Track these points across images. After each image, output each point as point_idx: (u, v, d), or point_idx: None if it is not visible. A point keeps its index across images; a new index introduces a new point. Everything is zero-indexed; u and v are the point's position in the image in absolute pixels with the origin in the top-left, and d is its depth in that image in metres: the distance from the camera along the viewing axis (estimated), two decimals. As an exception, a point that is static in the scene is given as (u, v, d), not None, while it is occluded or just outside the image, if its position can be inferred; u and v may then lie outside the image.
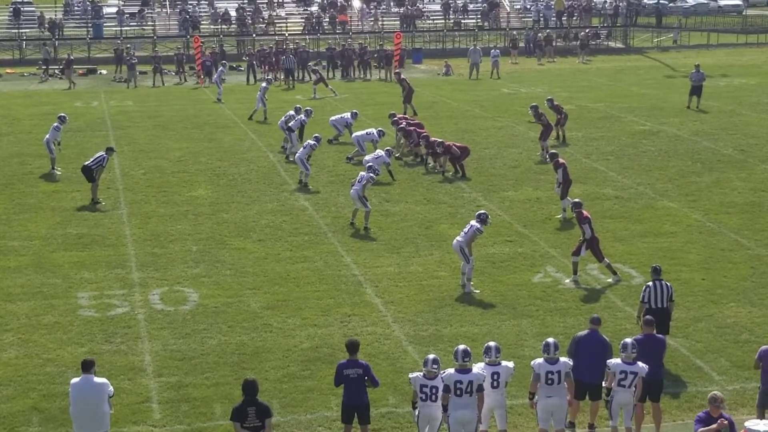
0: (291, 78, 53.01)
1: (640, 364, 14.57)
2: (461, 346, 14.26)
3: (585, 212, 21.79)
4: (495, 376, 14.29)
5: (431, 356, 14.18)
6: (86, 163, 28.41)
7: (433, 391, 13.89)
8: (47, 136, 31.96)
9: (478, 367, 14.25)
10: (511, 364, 14.65)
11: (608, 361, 14.70)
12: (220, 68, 49.39)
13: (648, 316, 15.88)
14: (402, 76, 43.82)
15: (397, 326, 19.40)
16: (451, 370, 14.05)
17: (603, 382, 15.11)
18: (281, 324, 19.52)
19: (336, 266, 22.80)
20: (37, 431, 15.48)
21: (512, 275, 22.10)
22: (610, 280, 21.55)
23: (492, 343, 14.61)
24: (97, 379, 13.87)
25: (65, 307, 20.43)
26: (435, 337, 18.88)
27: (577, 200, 22.54)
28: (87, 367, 13.82)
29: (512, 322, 19.55)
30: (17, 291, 21.35)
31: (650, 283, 17.52)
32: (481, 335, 18.66)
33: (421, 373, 14.05)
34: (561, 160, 26.59)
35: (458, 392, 13.89)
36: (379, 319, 19.75)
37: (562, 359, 14.47)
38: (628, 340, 14.77)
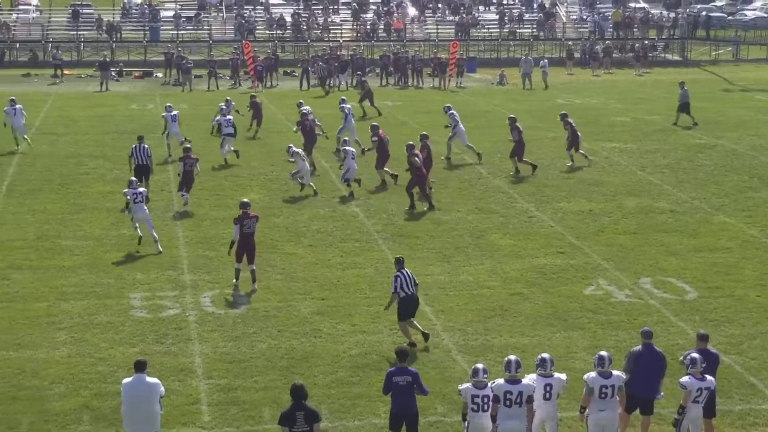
0: (327, 85, 53.27)
1: (708, 377, 14.41)
2: (513, 357, 14.17)
3: None
4: (547, 388, 14.17)
5: (480, 366, 14.08)
6: (139, 162, 28.59)
7: (485, 400, 13.79)
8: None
9: (529, 378, 14.15)
10: (563, 377, 14.52)
11: (681, 380, 14.38)
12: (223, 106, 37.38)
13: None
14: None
15: (447, 335, 19.32)
16: (501, 381, 13.97)
17: (656, 396, 14.97)
18: (330, 330, 19.52)
19: (386, 273, 22.71)
20: (88, 429, 15.58)
21: (564, 287, 21.94)
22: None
23: (546, 355, 14.49)
24: (150, 380, 13.95)
25: (118, 307, 20.59)
26: (484, 347, 18.78)
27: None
28: (140, 367, 13.90)
29: (563, 334, 19.40)
30: (71, 290, 21.55)
31: (398, 274, 18.61)
32: (531, 346, 18.54)
33: (471, 384, 13.97)
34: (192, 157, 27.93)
35: (507, 403, 13.79)
36: (429, 327, 19.64)
37: (615, 373, 14.30)
38: (696, 355, 14.50)
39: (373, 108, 44.53)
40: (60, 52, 60.39)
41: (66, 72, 58.95)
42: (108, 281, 22.12)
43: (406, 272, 18.71)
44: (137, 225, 24.55)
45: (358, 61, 56.74)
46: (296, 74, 57.35)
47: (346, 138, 32.54)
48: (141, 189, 24.86)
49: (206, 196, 29.35)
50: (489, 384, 13.90)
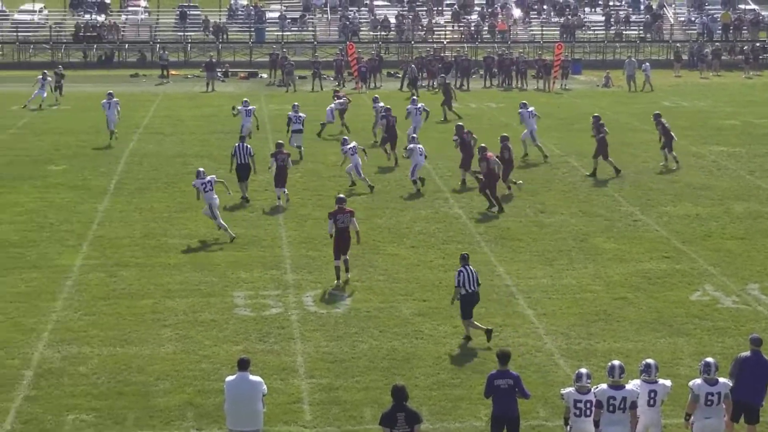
0: (414, 87, 53.24)
1: None
2: (617, 362, 14.00)
3: None
4: (652, 394, 13.97)
5: (584, 370, 13.96)
6: (240, 161, 28.88)
7: (588, 405, 13.65)
8: None
9: (633, 384, 13.96)
10: (668, 383, 14.29)
11: None
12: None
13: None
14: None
15: (549, 339, 19.15)
16: (604, 386, 13.81)
17: (761, 404, 14.65)
18: (432, 331, 19.49)
19: (488, 276, 22.61)
20: (192, 426, 15.80)
21: (669, 292, 21.59)
22: None
23: (651, 361, 14.28)
24: (253, 378, 14.10)
25: (222, 305, 20.84)
26: (587, 351, 18.56)
27: None
28: (243, 365, 14.06)
29: (668, 339, 19.08)
30: (176, 288, 21.88)
31: (461, 270, 18.76)
32: (635, 352, 18.26)
33: (573, 388, 13.83)
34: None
35: (611, 408, 13.63)
36: (531, 330, 19.53)
37: (722, 380, 14.04)
38: None
39: (442, 108, 43.64)
40: (167, 52, 61.45)
41: (173, 72, 59.98)
42: (212, 279, 22.40)
43: (470, 269, 18.89)
44: (220, 222, 25.12)
45: (462, 62, 56.61)
46: (399, 75, 57.48)
47: (414, 135, 32.95)
48: (209, 177, 25.35)
49: (309, 197, 29.57)
50: (592, 389, 13.76)
